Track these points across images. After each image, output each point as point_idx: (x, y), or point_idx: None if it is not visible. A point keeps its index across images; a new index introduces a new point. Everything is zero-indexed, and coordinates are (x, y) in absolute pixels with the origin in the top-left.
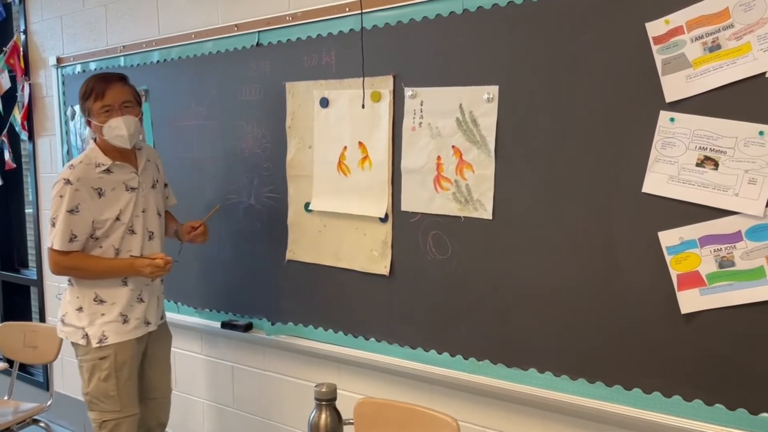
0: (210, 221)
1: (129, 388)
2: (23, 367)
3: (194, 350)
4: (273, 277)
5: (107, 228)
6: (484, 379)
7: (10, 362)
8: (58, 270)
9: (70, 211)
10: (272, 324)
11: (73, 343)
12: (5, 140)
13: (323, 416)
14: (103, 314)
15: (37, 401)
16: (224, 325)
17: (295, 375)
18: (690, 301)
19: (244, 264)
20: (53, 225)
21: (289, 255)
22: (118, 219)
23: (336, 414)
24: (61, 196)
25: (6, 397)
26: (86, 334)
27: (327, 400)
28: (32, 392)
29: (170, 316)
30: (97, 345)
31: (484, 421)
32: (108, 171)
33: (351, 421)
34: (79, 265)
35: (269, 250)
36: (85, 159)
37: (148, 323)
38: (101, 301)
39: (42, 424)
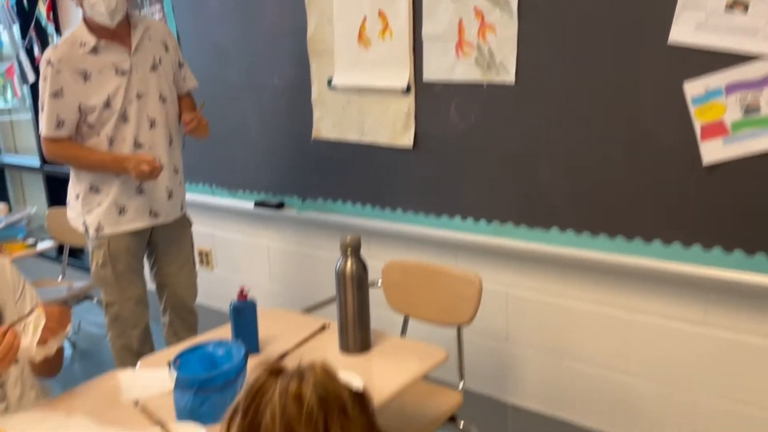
0: (226, 107)
1: (128, 276)
2: (73, 253)
3: (230, 231)
4: (301, 155)
5: (98, 115)
6: (506, 240)
7: (60, 247)
8: (50, 158)
9: (54, 95)
10: (302, 201)
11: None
12: (34, 35)
13: (349, 263)
14: (99, 204)
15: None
16: (257, 204)
17: (326, 249)
18: (713, 151)
19: (272, 144)
20: (42, 110)
21: (315, 133)
22: (108, 106)
23: (361, 263)
24: (45, 79)
25: (60, 278)
26: (84, 222)
27: (352, 248)
28: (83, 276)
29: (205, 199)
30: (94, 233)
31: (507, 281)
32: (94, 51)
33: (379, 285)
34: (70, 155)
35: (296, 129)
36: (70, 37)
37: (156, 215)
38: (96, 190)
39: (95, 300)
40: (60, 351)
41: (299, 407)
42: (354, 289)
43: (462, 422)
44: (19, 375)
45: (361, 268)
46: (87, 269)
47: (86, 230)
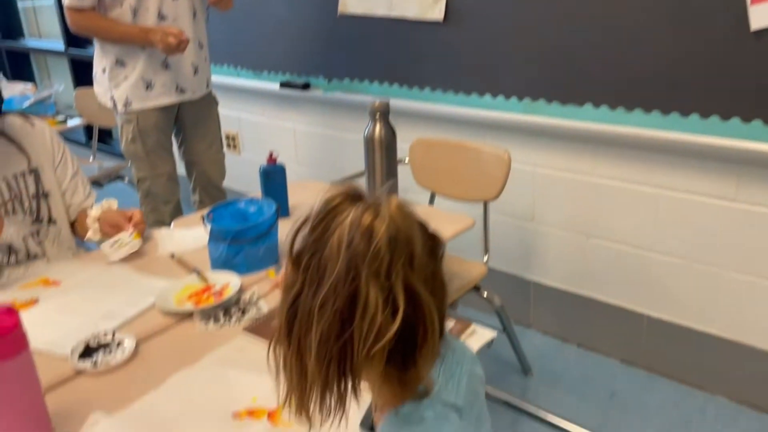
0: None
1: (158, 152)
2: (102, 139)
3: (256, 114)
4: (326, 33)
5: None
6: (537, 118)
7: (89, 128)
8: (74, 29)
9: None
10: (328, 81)
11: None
12: None
13: (378, 128)
14: (125, 77)
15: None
16: (283, 85)
17: (352, 130)
18: (763, 16)
19: (297, 22)
20: None
21: (341, 8)
22: None
23: (390, 128)
24: None
25: (90, 159)
26: (112, 96)
27: (381, 112)
28: (113, 159)
29: (229, 81)
30: (122, 108)
31: (535, 160)
32: None
33: (406, 162)
34: (95, 25)
35: (321, 4)
36: None
37: (182, 91)
38: (122, 64)
39: (126, 180)
40: None
41: (367, 244)
42: (383, 153)
43: (485, 292)
44: (56, 235)
45: (390, 132)
46: (116, 154)
47: (114, 105)
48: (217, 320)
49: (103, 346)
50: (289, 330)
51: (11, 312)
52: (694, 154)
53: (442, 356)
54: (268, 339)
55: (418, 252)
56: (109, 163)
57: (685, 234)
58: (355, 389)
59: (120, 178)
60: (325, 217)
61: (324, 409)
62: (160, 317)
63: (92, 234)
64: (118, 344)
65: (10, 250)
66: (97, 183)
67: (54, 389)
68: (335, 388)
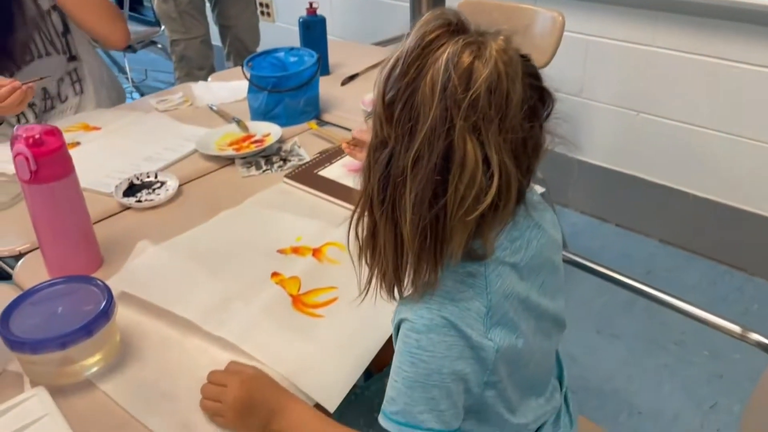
0: None
1: (191, 13)
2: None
3: None
4: None
5: None
6: None
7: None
8: None
9: None
10: None
11: None
12: None
13: None
14: None
15: None
16: None
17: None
18: None
19: None
20: None
21: None
22: None
23: None
24: None
25: None
26: None
27: None
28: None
29: None
30: None
31: (589, 29)
32: None
33: None
34: None
35: None
36: None
37: None
38: None
39: (159, 46)
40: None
41: (465, 89)
42: (430, 7)
43: None
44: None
45: None
46: (148, 21)
47: None
48: (258, 167)
49: (147, 186)
50: (383, 195)
51: (55, 133)
52: (761, 20)
53: (514, 219)
54: (310, 186)
55: (512, 111)
56: (139, 28)
57: (745, 109)
58: (453, 255)
59: (153, 43)
60: (421, 54)
61: (419, 278)
62: (201, 162)
63: None
64: (162, 184)
65: (46, 94)
66: (130, 48)
67: (100, 223)
68: (432, 254)
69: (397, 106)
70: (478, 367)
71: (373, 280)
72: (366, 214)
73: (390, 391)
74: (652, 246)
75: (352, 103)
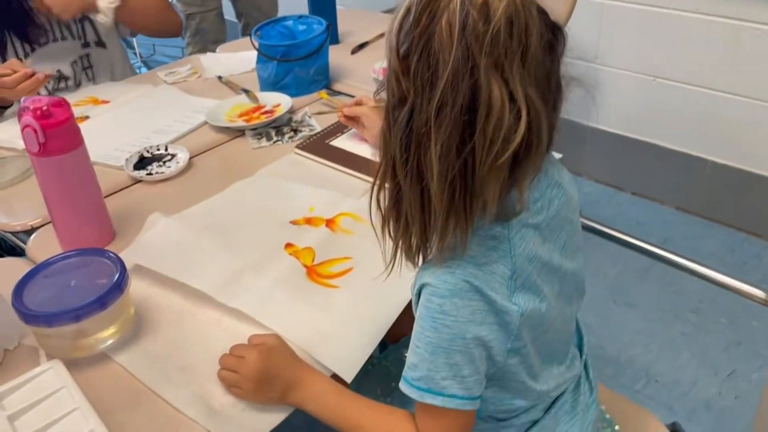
0: None
1: None
2: None
3: None
4: None
5: None
6: None
7: None
8: None
9: None
10: None
11: None
12: None
13: None
14: None
15: None
16: None
17: None
18: None
19: None
20: None
21: None
22: None
23: None
24: None
25: None
26: None
27: None
28: None
29: None
30: None
31: None
32: None
33: None
34: None
35: None
36: None
37: None
38: None
39: None
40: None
41: (485, 24)
42: None
43: None
44: (106, 58)
45: None
46: None
47: None
48: (269, 138)
49: (157, 158)
50: (406, 155)
51: (63, 104)
52: None
53: (539, 175)
54: (322, 156)
55: (533, 43)
56: None
57: (766, 73)
58: (484, 208)
59: None
60: (431, 0)
61: (445, 240)
62: (211, 134)
63: None
64: (172, 156)
65: (60, 76)
66: None
67: (111, 196)
68: (461, 211)
69: (413, 58)
70: (502, 334)
71: (398, 253)
72: (388, 180)
73: (411, 357)
74: (668, 214)
75: (362, 72)
